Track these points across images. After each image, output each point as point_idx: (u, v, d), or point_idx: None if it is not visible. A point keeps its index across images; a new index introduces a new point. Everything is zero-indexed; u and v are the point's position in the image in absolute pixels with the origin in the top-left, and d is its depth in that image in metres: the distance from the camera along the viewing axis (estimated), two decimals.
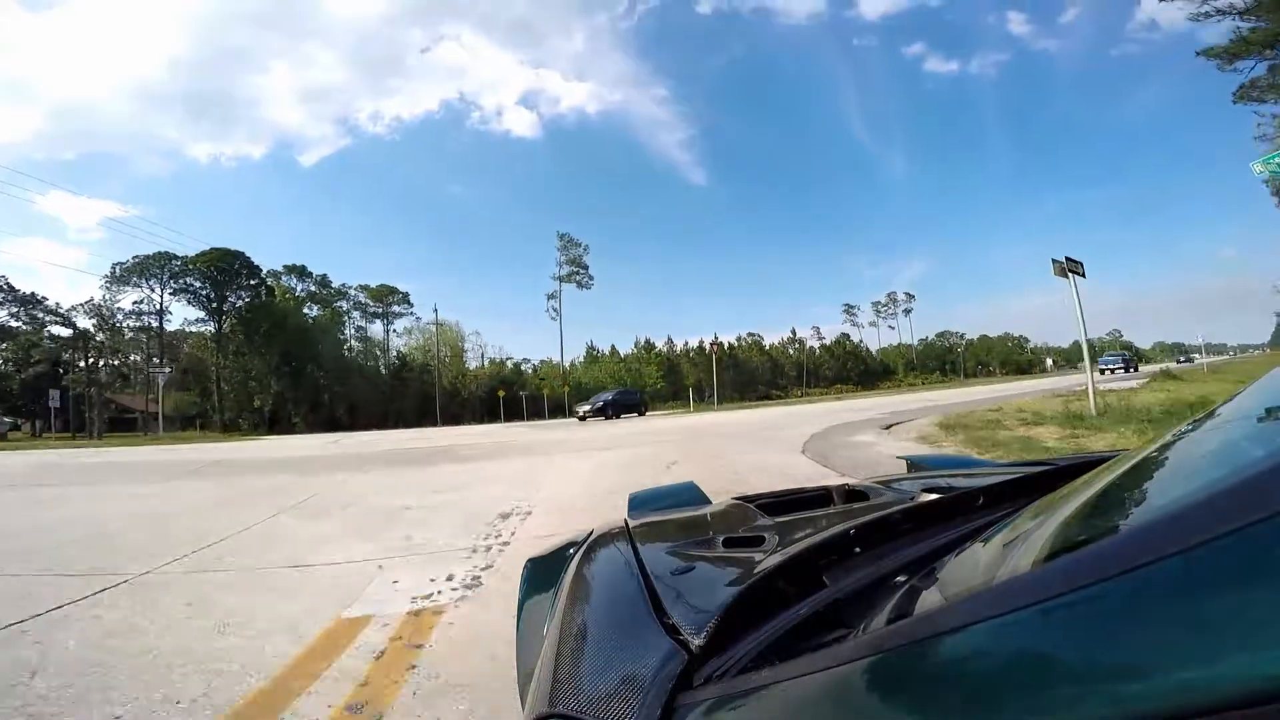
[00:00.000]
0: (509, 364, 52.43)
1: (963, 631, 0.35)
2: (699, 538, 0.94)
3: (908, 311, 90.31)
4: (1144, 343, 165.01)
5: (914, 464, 1.63)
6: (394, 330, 54.58)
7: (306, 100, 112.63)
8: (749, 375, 58.13)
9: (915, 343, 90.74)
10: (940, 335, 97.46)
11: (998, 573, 0.46)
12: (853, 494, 1.11)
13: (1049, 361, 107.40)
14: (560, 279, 56.85)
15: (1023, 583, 0.37)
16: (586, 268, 56.76)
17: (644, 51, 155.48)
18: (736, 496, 1.20)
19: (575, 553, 0.96)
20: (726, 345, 63.04)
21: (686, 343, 61.88)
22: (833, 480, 2.49)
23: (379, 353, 53.12)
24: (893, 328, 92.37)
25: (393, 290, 54.54)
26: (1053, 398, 14.63)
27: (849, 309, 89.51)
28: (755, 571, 0.66)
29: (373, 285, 53.84)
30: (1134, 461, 0.55)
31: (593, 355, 56.69)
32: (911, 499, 0.87)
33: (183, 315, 53.39)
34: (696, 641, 0.55)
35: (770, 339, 69.62)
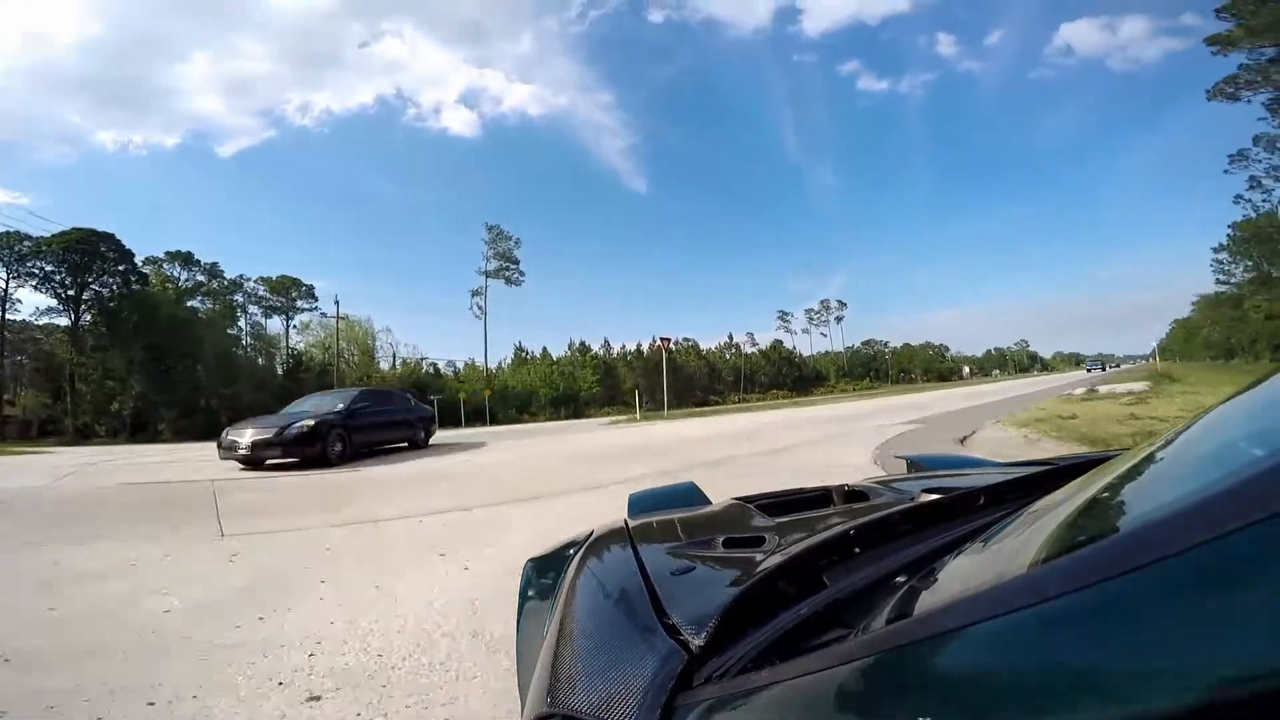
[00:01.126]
0: (425, 365, 46.66)
1: (963, 632, 0.35)
2: (699, 538, 0.94)
3: (839, 319, 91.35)
4: (1046, 352, 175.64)
5: (914, 464, 1.63)
6: (294, 326, 47.73)
7: (230, 91, 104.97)
8: (687, 380, 55.19)
9: (844, 350, 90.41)
10: (866, 343, 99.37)
11: (998, 573, 0.46)
12: (853, 494, 1.11)
13: (966, 370, 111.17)
14: (487, 274, 51.85)
15: (1023, 583, 0.37)
16: (517, 262, 52.69)
17: (592, 57, 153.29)
18: (736, 497, 1.20)
19: (575, 553, 0.96)
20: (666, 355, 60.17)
21: (624, 346, 57.98)
22: None
23: (275, 351, 46.25)
24: (825, 335, 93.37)
25: (296, 283, 48.19)
26: (1073, 400, 16.31)
27: (783, 316, 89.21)
28: (755, 572, 0.67)
29: (273, 276, 46.80)
30: (1134, 462, 0.56)
31: (521, 357, 51.94)
32: (911, 499, 0.88)
33: (35, 304, 44.89)
34: (696, 642, 0.55)
35: (706, 344, 66.96)
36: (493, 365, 53.07)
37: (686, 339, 65.86)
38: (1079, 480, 0.62)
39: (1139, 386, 24.24)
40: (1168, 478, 0.52)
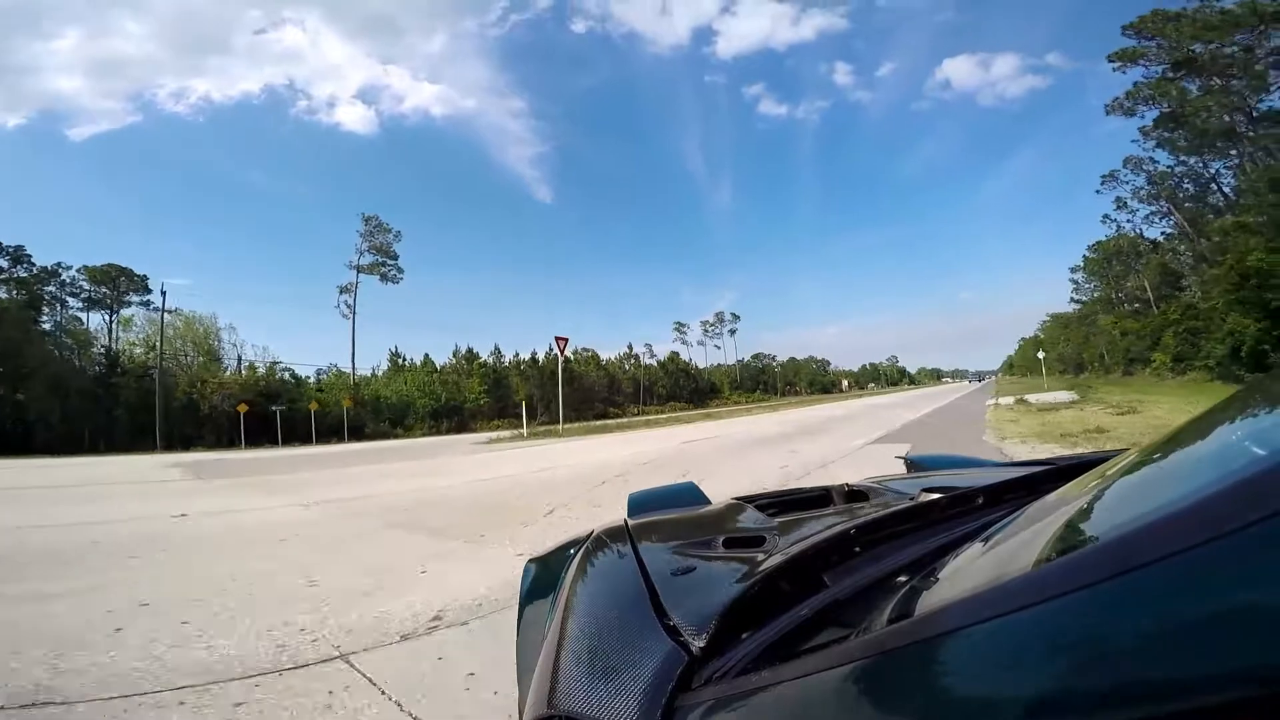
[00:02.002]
0: (278, 370, 38.91)
1: (963, 632, 0.35)
2: (699, 538, 0.94)
3: (733, 332, 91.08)
4: (912, 368, 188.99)
5: (914, 464, 1.64)
6: (119, 322, 38.50)
7: (97, 71, 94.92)
8: (586, 392, 50.93)
9: (735, 363, 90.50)
10: (756, 357, 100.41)
11: (998, 573, 0.47)
12: (853, 494, 1.12)
13: (845, 383, 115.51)
14: (359, 268, 44.82)
15: (1023, 583, 0.38)
16: (396, 257, 45.96)
17: (508, 62, 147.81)
18: (736, 496, 1.22)
19: (576, 553, 0.98)
20: (562, 358, 55.26)
21: (517, 354, 52.77)
22: None
23: (86, 348, 36.82)
24: (719, 347, 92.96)
25: (126, 273, 38.74)
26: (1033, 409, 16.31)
27: (680, 327, 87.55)
28: (755, 572, 0.68)
29: (97, 265, 37.55)
30: (1134, 461, 0.57)
31: (398, 364, 45.12)
32: (911, 499, 0.90)
33: None
34: (697, 642, 0.55)
35: (605, 355, 63.29)
36: (365, 372, 45.58)
37: (586, 349, 61.55)
38: (1079, 480, 0.62)
39: (1066, 395, 23.08)
40: (1168, 478, 0.52)
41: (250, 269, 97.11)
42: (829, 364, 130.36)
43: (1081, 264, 63.70)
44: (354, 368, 45.45)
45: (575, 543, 1.06)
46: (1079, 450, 7.35)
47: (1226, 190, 36.11)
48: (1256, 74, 29.58)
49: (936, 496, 0.87)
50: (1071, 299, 70.04)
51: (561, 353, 26.23)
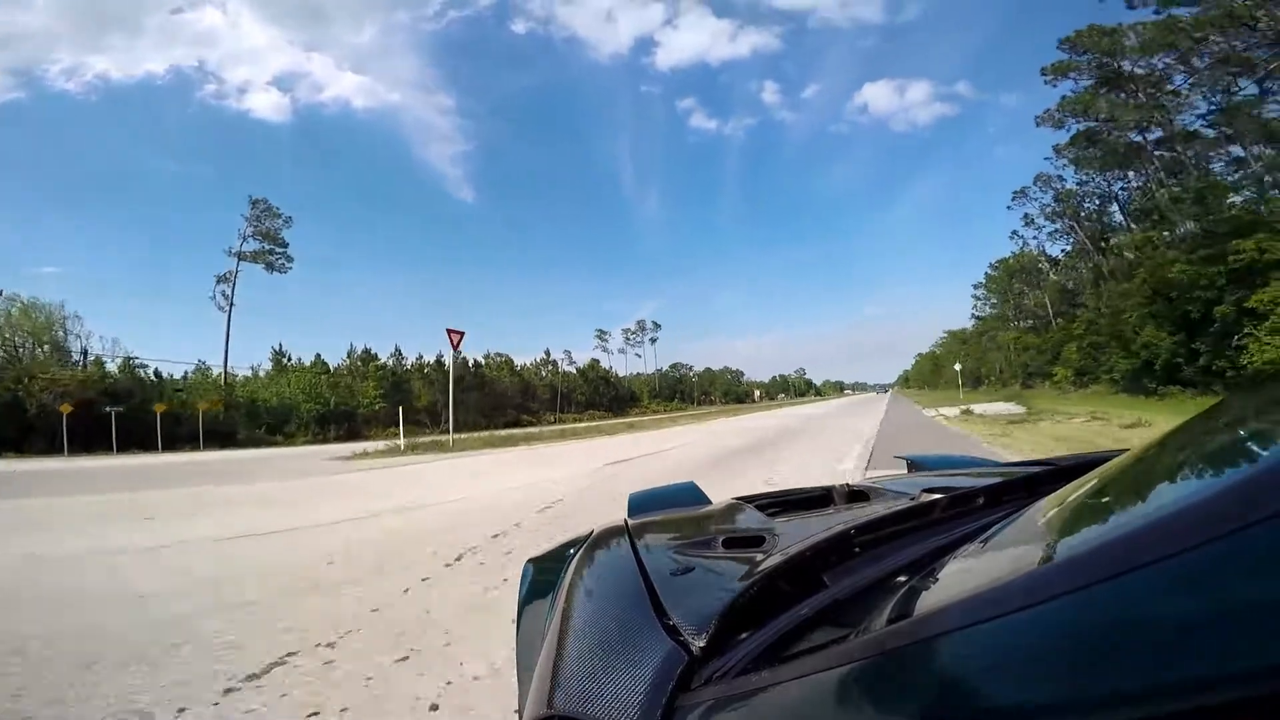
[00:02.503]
0: (133, 366, 33.04)
1: (963, 632, 0.36)
2: (699, 538, 0.96)
3: (654, 340, 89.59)
4: (818, 380, 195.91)
5: (914, 464, 1.65)
6: None
7: None
8: (498, 398, 47.32)
9: (654, 372, 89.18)
10: (674, 366, 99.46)
11: (998, 573, 0.47)
12: (853, 494, 1.14)
13: (756, 394, 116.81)
14: (240, 255, 39.34)
15: (1023, 583, 0.38)
16: (285, 245, 40.69)
17: (441, 58, 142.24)
18: (737, 496, 1.24)
19: (575, 553, 0.99)
20: (472, 362, 50.87)
21: (421, 356, 48.32)
22: None
23: None
24: (639, 355, 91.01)
25: None
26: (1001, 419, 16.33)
27: (601, 334, 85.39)
28: (755, 572, 0.69)
29: None
30: (1134, 462, 0.58)
31: (282, 363, 39.77)
32: (912, 499, 0.91)
33: None
34: (697, 642, 0.56)
35: (522, 360, 59.80)
36: (245, 373, 39.95)
37: (500, 354, 57.75)
38: (1079, 480, 0.62)
39: (1010, 407, 22.12)
40: (1168, 478, 0.53)
41: (136, 258, 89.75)
42: (743, 375, 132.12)
43: (983, 281, 66.57)
44: (226, 366, 39.73)
45: (575, 543, 1.07)
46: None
47: (1132, 207, 38.04)
48: (1169, 94, 30.86)
49: (937, 497, 0.89)
50: (972, 315, 73.39)
51: (455, 348, 20.80)
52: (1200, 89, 30.22)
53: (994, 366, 60.70)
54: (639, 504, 1.40)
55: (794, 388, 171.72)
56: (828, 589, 0.64)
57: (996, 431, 12.97)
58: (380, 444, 21.93)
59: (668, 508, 1.34)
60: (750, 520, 1.03)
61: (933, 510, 0.85)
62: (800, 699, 0.42)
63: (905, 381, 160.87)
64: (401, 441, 19.74)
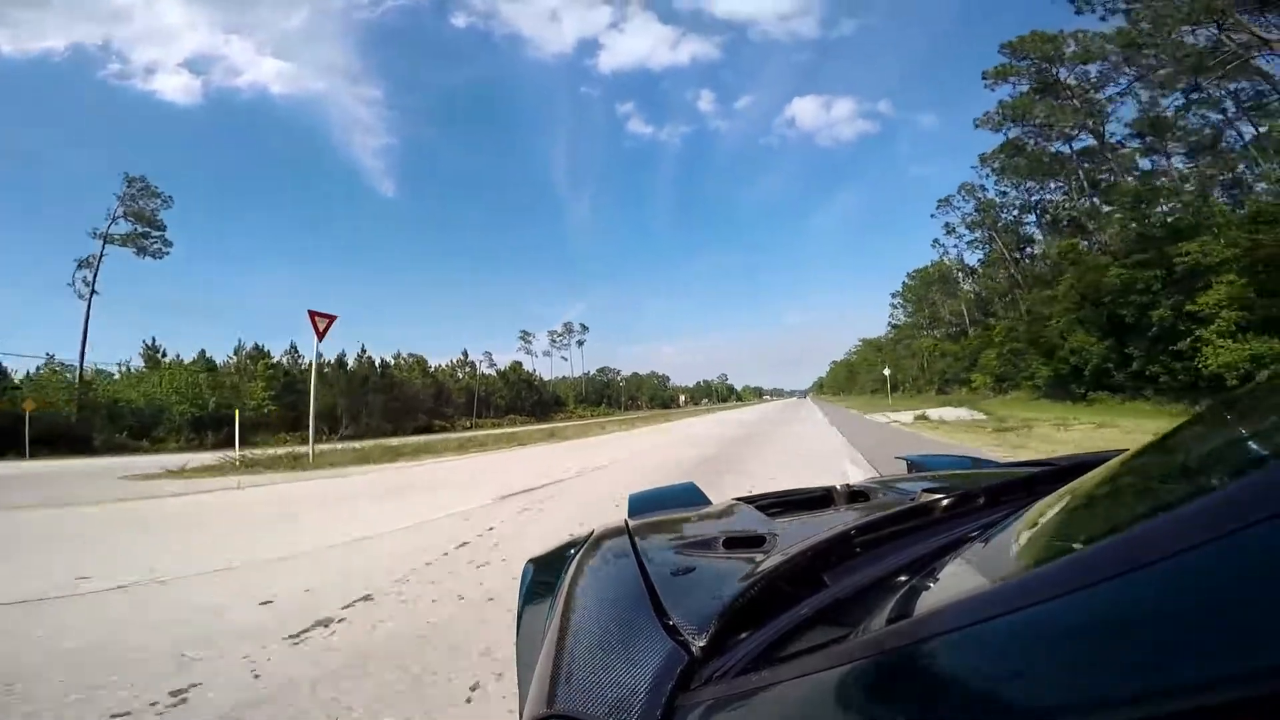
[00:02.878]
0: None
1: (963, 632, 0.36)
2: (699, 538, 0.97)
3: (581, 343, 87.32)
4: (738, 386, 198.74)
5: (914, 464, 1.67)
6: None
7: None
8: (408, 401, 43.71)
9: (580, 376, 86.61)
10: (601, 370, 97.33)
11: (998, 573, 0.48)
12: (854, 494, 1.15)
13: (682, 399, 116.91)
14: (105, 237, 34.12)
15: (1023, 583, 0.39)
16: (162, 229, 36.06)
17: (373, 48, 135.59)
18: (737, 497, 1.25)
19: (575, 553, 1.00)
20: (380, 362, 46.81)
21: (321, 354, 43.74)
22: None
23: None
24: (565, 359, 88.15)
25: None
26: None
27: (525, 336, 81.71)
28: (756, 572, 0.69)
29: None
30: (1135, 461, 0.59)
31: (155, 359, 34.77)
32: (912, 499, 0.92)
33: None
34: (697, 642, 0.57)
35: (437, 362, 56.13)
36: (104, 366, 35.02)
37: (412, 354, 53.89)
38: (1079, 480, 0.63)
39: (962, 412, 20.98)
40: (1167, 478, 0.54)
41: (17, 245, 78.29)
42: (669, 380, 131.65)
43: (901, 290, 68.39)
44: (82, 361, 34.22)
45: (575, 543, 1.09)
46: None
47: (1056, 215, 40.83)
48: (1089, 102, 31.75)
49: (937, 497, 0.90)
50: (889, 323, 75.48)
51: (321, 335, 15.02)
52: (1128, 98, 32.34)
53: (909, 373, 62.12)
54: (639, 504, 1.42)
55: (717, 393, 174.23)
56: (828, 589, 0.65)
57: (993, 441, 11.89)
58: (233, 454, 16.80)
59: (668, 508, 1.36)
60: (750, 520, 1.04)
61: (933, 510, 0.86)
62: (800, 699, 0.43)
63: (820, 388, 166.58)
64: (237, 453, 15.20)
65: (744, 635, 0.58)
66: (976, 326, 49.96)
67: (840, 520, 0.89)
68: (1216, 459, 0.51)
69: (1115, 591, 0.30)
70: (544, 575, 1.04)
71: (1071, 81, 33.71)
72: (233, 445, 17.58)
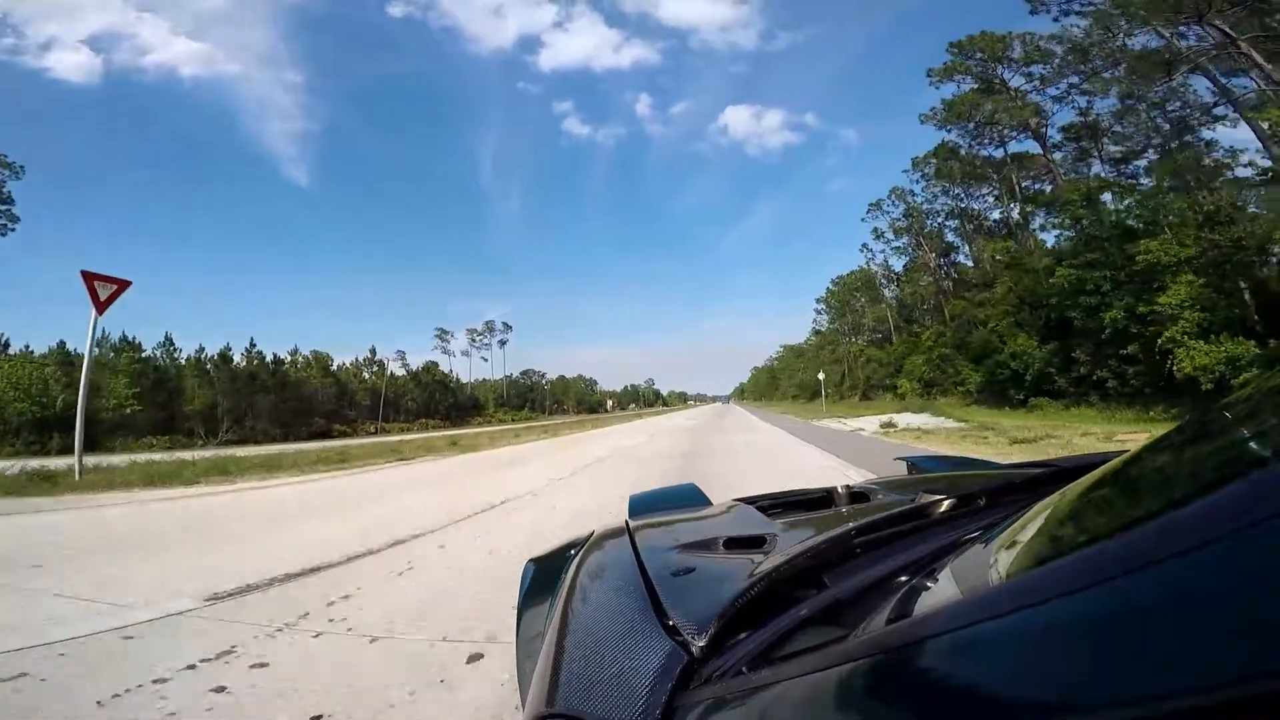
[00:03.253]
0: None
1: (964, 632, 0.36)
2: (699, 539, 0.98)
3: (503, 343, 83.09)
4: (664, 390, 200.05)
5: (914, 465, 1.68)
6: None
7: None
8: (303, 403, 39.36)
9: (502, 378, 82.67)
10: (525, 373, 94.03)
11: (998, 574, 0.49)
12: (854, 495, 1.16)
13: (609, 403, 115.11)
14: None
15: (1023, 584, 0.39)
16: (9, 201, 32.05)
17: (299, 32, 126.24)
18: (737, 498, 1.26)
19: (576, 553, 1.02)
20: (271, 357, 42.01)
21: (202, 348, 38.66)
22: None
23: None
24: (486, 359, 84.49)
25: None
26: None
27: (442, 334, 76.92)
28: (756, 573, 0.70)
29: None
30: (1134, 462, 0.60)
31: None
32: (912, 500, 0.94)
33: None
34: (697, 643, 0.57)
35: (342, 359, 51.39)
36: None
37: (315, 351, 49.01)
38: (1079, 481, 0.64)
39: (927, 419, 19.34)
40: (1168, 479, 0.54)
41: None
42: (596, 383, 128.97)
43: (825, 296, 69.08)
44: None
45: (575, 543, 1.10)
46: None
47: (982, 222, 42.12)
48: (1027, 105, 32.03)
49: (937, 498, 0.91)
50: (812, 329, 76.35)
51: (101, 307, 10.67)
52: (1067, 103, 33.05)
53: (832, 379, 62.88)
54: (639, 505, 1.43)
55: (644, 398, 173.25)
56: (828, 589, 0.66)
57: (1011, 454, 10.29)
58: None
59: (668, 509, 1.36)
60: (751, 521, 1.05)
61: (933, 511, 0.87)
62: (800, 699, 0.43)
63: (741, 393, 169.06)
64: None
65: (744, 635, 0.58)
66: (900, 333, 50.70)
67: (840, 521, 0.90)
68: (1216, 459, 0.51)
69: (1115, 592, 0.31)
70: (544, 575, 1.04)
71: (1016, 82, 34.83)
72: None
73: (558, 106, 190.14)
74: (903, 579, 0.65)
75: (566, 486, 8.62)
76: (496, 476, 10.60)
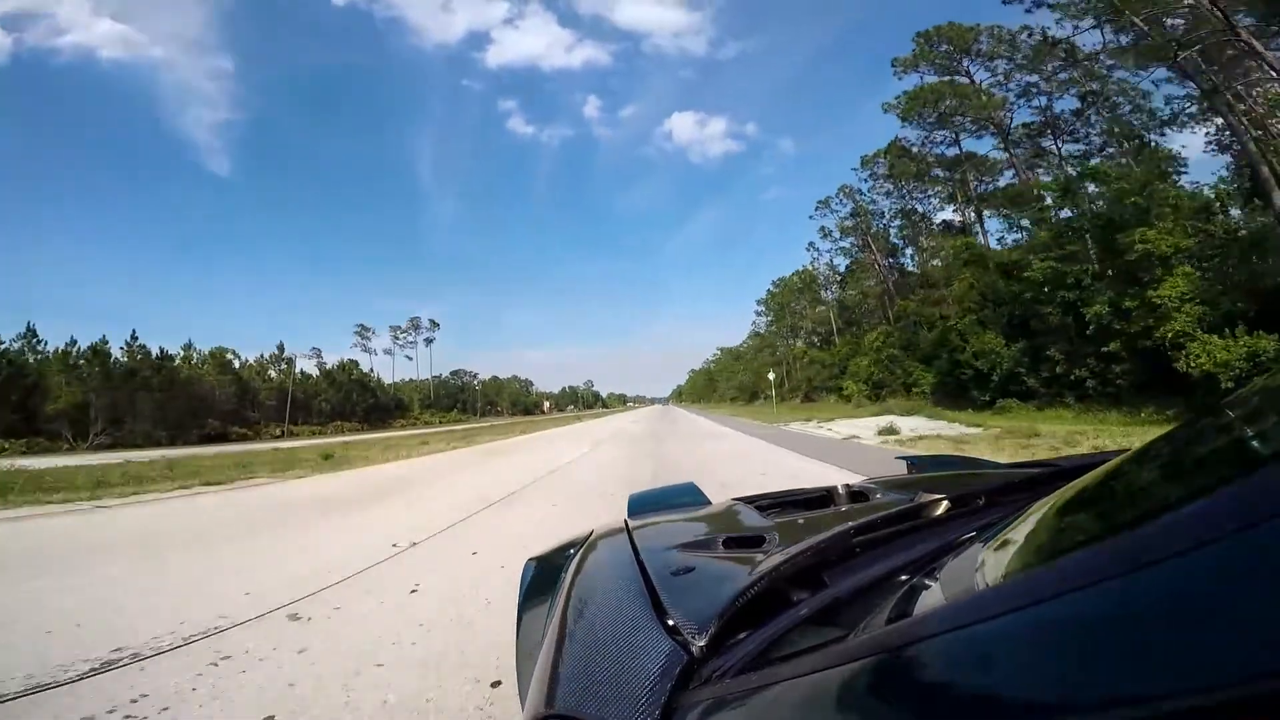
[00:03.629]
0: None
1: (963, 632, 0.37)
2: (699, 538, 1.00)
3: (429, 341, 78.22)
4: (604, 392, 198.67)
5: (914, 465, 1.68)
6: None
7: None
8: (199, 402, 34.92)
9: (430, 378, 78.11)
10: (455, 373, 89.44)
11: (997, 574, 0.50)
12: (854, 495, 1.17)
13: (547, 405, 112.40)
14: None
15: (1023, 584, 0.40)
16: None
17: (232, 17, 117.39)
18: (737, 497, 1.27)
19: (575, 553, 1.02)
20: (158, 351, 37.31)
21: (73, 340, 33.91)
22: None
23: None
24: (410, 358, 79.25)
25: None
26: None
27: (363, 331, 71.56)
28: (755, 572, 0.71)
29: None
30: (1134, 462, 0.61)
31: None
32: (911, 500, 0.95)
33: None
34: (697, 642, 0.58)
35: (251, 355, 46.75)
36: None
37: (220, 347, 45.50)
38: (1079, 481, 0.65)
39: (923, 423, 17.38)
40: (1168, 478, 0.55)
41: None
42: (532, 385, 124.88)
43: (765, 298, 68.50)
44: None
45: (575, 543, 1.11)
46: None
47: (940, 218, 40.62)
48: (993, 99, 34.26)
49: (936, 497, 0.93)
50: (753, 330, 75.88)
51: None
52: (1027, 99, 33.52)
53: (770, 381, 62.88)
54: (639, 504, 1.44)
55: (583, 399, 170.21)
56: (828, 589, 0.67)
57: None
58: None
59: (668, 508, 1.38)
60: (750, 520, 1.05)
61: (932, 511, 0.89)
62: (800, 699, 0.44)
63: (679, 396, 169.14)
64: None
65: (743, 635, 0.58)
66: (843, 334, 50.37)
67: (839, 521, 0.90)
68: (1217, 459, 0.51)
69: (1114, 592, 0.31)
70: (543, 575, 1.05)
71: (981, 76, 35.41)
72: None
73: (503, 105, 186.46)
74: (902, 579, 0.66)
75: (433, 569, 4.47)
76: (308, 537, 6.03)
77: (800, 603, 0.62)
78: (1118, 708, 0.26)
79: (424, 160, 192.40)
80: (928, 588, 0.58)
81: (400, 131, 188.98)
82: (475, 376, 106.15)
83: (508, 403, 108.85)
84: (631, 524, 1.10)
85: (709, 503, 1.36)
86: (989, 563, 0.56)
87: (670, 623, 0.62)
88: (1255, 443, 0.47)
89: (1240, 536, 0.28)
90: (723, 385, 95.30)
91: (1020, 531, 0.57)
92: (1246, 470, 0.34)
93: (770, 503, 1.20)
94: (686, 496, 1.49)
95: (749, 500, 1.21)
